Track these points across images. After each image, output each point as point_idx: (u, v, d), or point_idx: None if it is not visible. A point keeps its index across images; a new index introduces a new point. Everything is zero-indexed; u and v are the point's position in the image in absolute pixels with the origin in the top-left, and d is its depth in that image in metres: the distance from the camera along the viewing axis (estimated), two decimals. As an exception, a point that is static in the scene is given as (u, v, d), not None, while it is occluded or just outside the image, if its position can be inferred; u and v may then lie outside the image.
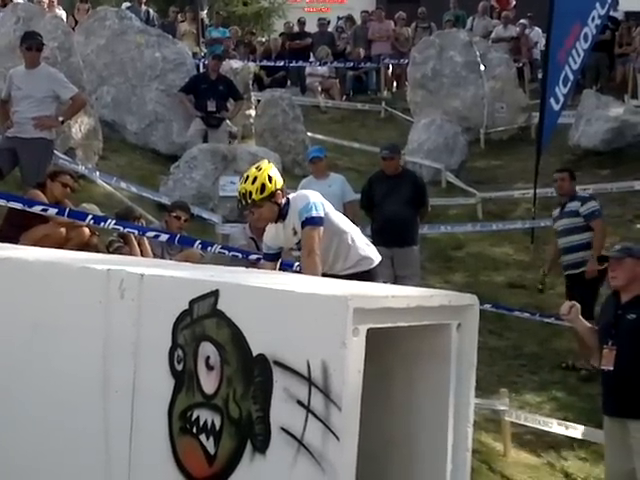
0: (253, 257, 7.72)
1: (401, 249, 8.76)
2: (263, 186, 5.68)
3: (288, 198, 5.87)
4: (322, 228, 5.73)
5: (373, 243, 6.57)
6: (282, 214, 5.82)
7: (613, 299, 5.61)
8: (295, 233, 5.84)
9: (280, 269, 6.25)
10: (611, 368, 5.40)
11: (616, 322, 5.46)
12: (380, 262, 6.26)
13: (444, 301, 4.12)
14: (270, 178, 5.71)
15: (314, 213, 5.71)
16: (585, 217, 8.51)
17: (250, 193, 5.69)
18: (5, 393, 4.58)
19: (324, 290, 3.90)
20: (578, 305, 5.66)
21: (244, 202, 5.77)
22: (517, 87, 16.24)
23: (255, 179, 5.69)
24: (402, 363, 4.29)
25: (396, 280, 8.19)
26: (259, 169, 5.75)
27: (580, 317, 5.65)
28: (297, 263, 7.60)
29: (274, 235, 5.96)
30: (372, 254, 6.16)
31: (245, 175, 5.79)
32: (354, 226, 6.23)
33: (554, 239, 8.85)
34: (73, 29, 13.41)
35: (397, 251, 8.76)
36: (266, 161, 5.95)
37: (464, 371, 4.17)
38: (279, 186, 5.77)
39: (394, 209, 8.72)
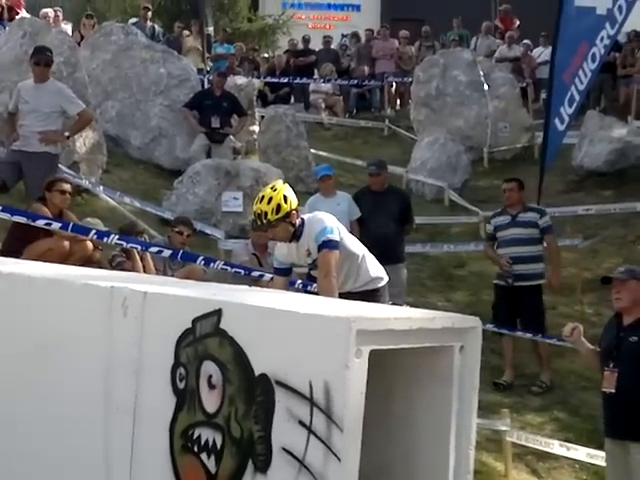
0: (255, 274, 7.73)
1: (388, 267, 8.75)
2: (279, 206, 5.71)
3: (303, 219, 5.91)
4: (338, 252, 5.82)
5: None
6: (296, 234, 5.85)
7: (615, 321, 5.61)
8: (309, 254, 5.91)
9: None
10: (613, 390, 5.40)
11: (618, 344, 5.46)
12: (386, 287, 6.33)
13: (447, 323, 4.12)
14: (285, 198, 5.75)
15: (331, 236, 5.78)
16: (543, 230, 8.54)
17: (266, 214, 5.72)
18: (7, 409, 4.58)
19: (327, 311, 3.90)
20: (581, 327, 5.66)
21: (259, 222, 5.81)
22: (521, 107, 16.26)
23: (271, 199, 5.72)
24: (404, 384, 4.29)
25: None
26: (274, 189, 5.78)
27: (582, 339, 5.65)
28: (299, 281, 7.65)
29: (286, 253, 6.02)
30: (380, 274, 6.28)
31: (260, 195, 5.82)
32: (364, 247, 6.28)
33: (487, 245, 8.83)
34: (79, 44, 13.47)
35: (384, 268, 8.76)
36: (281, 181, 6.01)
37: (466, 393, 4.17)
38: (294, 206, 5.81)
39: (380, 226, 8.73)
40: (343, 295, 5.85)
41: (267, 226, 5.81)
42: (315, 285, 7.06)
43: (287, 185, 5.92)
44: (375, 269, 6.24)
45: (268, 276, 6.80)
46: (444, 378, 4.16)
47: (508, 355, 8.43)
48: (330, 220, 5.93)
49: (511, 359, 8.43)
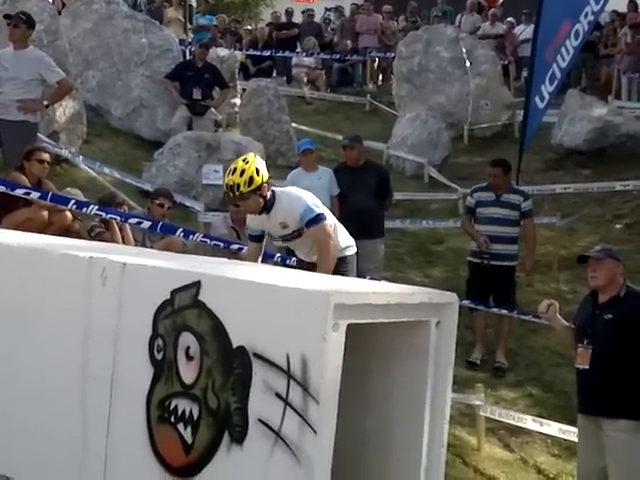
0: (234, 247, 7.74)
1: (365, 242, 8.77)
2: (251, 179, 5.75)
3: (274, 191, 5.95)
4: (326, 222, 5.96)
5: None
6: (267, 207, 5.91)
7: (591, 299, 5.66)
8: (284, 227, 5.98)
9: (262, 260, 6.33)
10: (586, 367, 5.45)
11: (593, 321, 5.52)
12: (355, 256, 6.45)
13: (424, 298, 4.16)
14: (258, 171, 5.78)
15: (317, 211, 5.91)
16: (523, 213, 8.56)
17: (238, 185, 5.75)
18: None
19: (306, 285, 3.93)
20: (556, 303, 5.71)
21: (231, 194, 5.84)
22: (502, 85, 16.27)
23: (243, 172, 5.75)
24: (380, 359, 4.33)
25: (359, 274, 8.22)
26: (246, 162, 5.80)
27: (558, 315, 5.71)
28: (278, 254, 7.68)
29: (257, 221, 6.09)
30: (349, 243, 6.38)
31: (232, 167, 5.84)
32: (334, 218, 6.36)
33: (465, 218, 8.82)
34: (59, 12, 13.35)
35: (362, 244, 8.72)
36: (252, 154, 6.00)
37: (442, 368, 4.22)
38: (266, 179, 5.84)
39: (358, 201, 8.73)
40: (312, 264, 6.04)
41: (239, 198, 5.86)
42: (294, 259, 7.12)
43: (259, 157, 5.95)
44: (344, 239, 6.33)
45: (246, 249, 6.83)
46: (420, 353, 4.21)
47: (479, 332, 8.47)
48: (309, 197, 6.02)
49: (482, 336, 8.48)
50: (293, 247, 6.51)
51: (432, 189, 12.76)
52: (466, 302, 7.89)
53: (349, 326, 3.73)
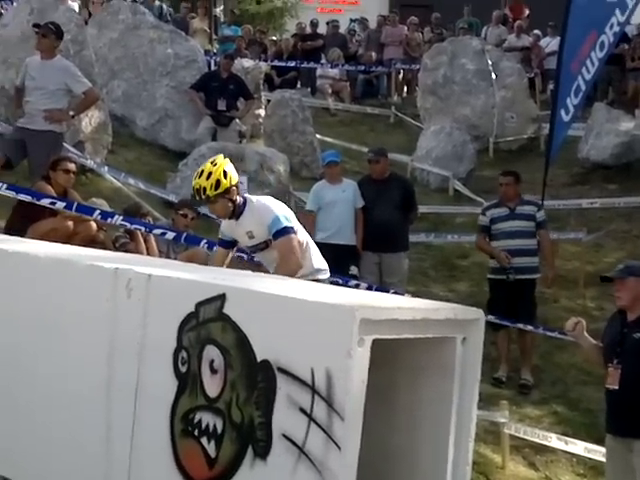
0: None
1: (389, 255, 8.77)
2: (218, 182, 5.68)
3: (245, 198, 5.86)
4: (294, 236, 5.78)
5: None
6: (236, 213, 5.82)
7: (619, 317, 5.59)
8: (251, 237, 5.87)
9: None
10: (616, 387, 5.37)
11: (621, 341, 5.44)
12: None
13: (450, 314, 4.12)
14: (225, 174, 5.70)
15: (285, 224, 5.74)
16: (539, 224, 8.51)
17: (204, 189, 5.68)
18: (10, 388, 4.59)
19: (332, 299, 3.90)
20: (583, 321, 5.64)
21: (198, 197, 5.78)
22: (528, 97, 16.19)
23: (210, 174, 5.68)
24: (406, 375, 4.29)
25: (383, 287, 8.20)
26: (214, 164, 5.73)
27: (585, 333, 5.64)
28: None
29: (228, 227, 5.99)
30: (323, 267, 6.18)
31: (200, 170, 5.77)
32: (308, 235, 6.21)
33: (480, 237, 8.73)
34: (86, 22, 13.42)
35: (385, 257, 8.77)
36: (221, 156, 5.90)
37: (468, 386, 4.17)
38: (234, 182, 5.76)
39: (383, 214, 8.70)
40: None
41: (206, 202, 5.80)
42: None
43: (228, 160, 5.85)
44: (318, 261, 6.15)
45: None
46: (446, 370, 4.16)
47: (503, 350, 8.38)
48: (279, 208, 5.86)
49: (506, 354, 8.40)
50: (260, 259, 6.29)
51: (457, 202, 12.69)
52: (491, 317, 7.84)
53: (374, 341, 3.69)
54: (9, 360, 4.61)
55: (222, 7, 18.51)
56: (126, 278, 4.26)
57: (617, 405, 5.38)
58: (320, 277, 6.11)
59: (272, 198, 6.15)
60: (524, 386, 8.18)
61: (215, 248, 6.52)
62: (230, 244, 6.11)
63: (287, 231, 5.73)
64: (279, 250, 5.75)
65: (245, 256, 7.31)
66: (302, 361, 3.70)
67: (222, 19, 19.36)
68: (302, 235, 6.00)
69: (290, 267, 5.66)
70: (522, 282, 8.33)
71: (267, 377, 3.77)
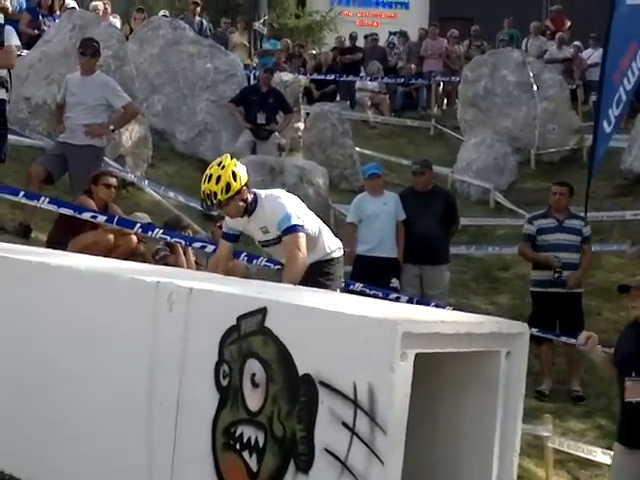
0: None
1: (431, 268, 8.73)
2: (228, 185, 5.55)
3: (255, 194, 5.77)
4: (302, 234, 5.70)
5: None
6: (248, 210, 5.73)
7: (633, 330, 5.47)
8: (266, 232, 5.80)
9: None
10: (639, 399, 5.26)
11: (638, 353, 5.33)
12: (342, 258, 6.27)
13: (494, 328, 4.08)
14: (234, 175, 5.57)
15: (294, 222, 5.66)
16: (585, 239, 8.47)
17: (215, 194, 5.55)
18: (54, 399, 4.60)
19: (373, 313, 3.87)
20: (595, 335, 5.55)
21: (209, 202, 5.63)
22: (570, 109, 16.07)
23: (219, 178, 5.54)
24: (450, 389, 4.24)
25: (424, 300, 8.16)
26: (222, 167, 5.59)
27: (597, 347, 5.55)
28: (244, 254, 7.60)
29: (236, 221, 5.88)
30: (336, 246, 6.17)
31: (208, 174, 5.61)
32: (319, 221, 6.15)
33: (525, 246, 8.63)
34: (127, 37, 13.53)
35: (427, 270, 8.73)
36: (228, 156, 5.75)
37: (512, 400, 4.12)
38: (244, 182, 5.63)
39: (424, 227, 8.66)
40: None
41: (217, 206, 5.65)
42: (260, 259, 6.98)
43: (235, 160, 5.70)
44: (331, 243, 6.13)
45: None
46: (490, 384, 4.11)
47: (547, 364, 8.29)
48: (290, 204, 5.79)
49: (550, 368, 8.31)
50: (272, 253, 6.26)
51: (498, 214, 12.61)
52: (534, 330, 7.74)
53: (417, 355, 3.66)
54: (51, 373, 4.62)
55: (264, 19, 18.38)
56: (167, 292, 4.26)
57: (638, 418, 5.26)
58: (335, 255, 6.12)
59: (281, 191, 6.11)
60: (577, 397, 8.10)
61: (220, 243, 6.32)
62: (236, 238, 6.04)
63: (295, 229, 5.65)
64: (285, 248, 5.71)
65: (271, 265, 7.30)
66: (344, 375, 3.68)
67: (264, 32, 19.31)
68: (311, 225, 5.93)
69: (296, 266, 5.61)
70: (568, 295, 8.25)
71: (309, 391, 3.76)
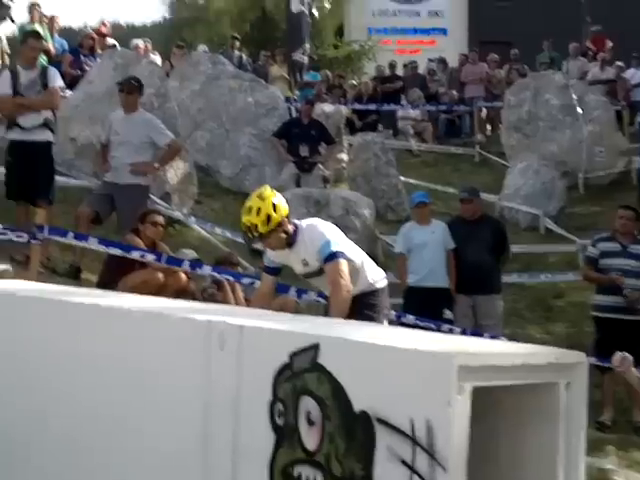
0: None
1: (483, 297, 8.63)
2: (268, 217, 5.52)
3: (296, 225, 5.73)
4: (343, 260, 5.63)
5: None
6: (290, 242, 5.68)
7: None
8: (306, 264, 5.74)
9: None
10: None
11: None
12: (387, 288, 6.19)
13: (551, 359, 3.98)
14: (275, 207, 5.55)
15: (335, 249, 5.60)
16: None
17: (256, 226, 5.52)
18: (104, 441, 4.57)
19: (428, 346, 3.79)
20: (631, 357, 5.43)
21: (250, 235, 5.60)
22: (616, 130, 15.92)
23: (259, 210, 5.51)
24: (508, 422, 4.15)
25: (477, 331, 8.05)
26: (262, 198, 5.57)
27: (633, 369, 5.43)
28: (294, 288, 7.52)
29: (278, 254, 5.83)
30: (379, 277, 6.10)
31: (248, 206, 5.59)
32: (362, 253, 6.09)
33: (589, 269, 8.48)
34: (168, 74, 13.64)
35: (479, 299, 8.63)
36: (268, 188, 5.74)
37: (573, 432, 4.01)
38: (285, 213, 5.61)
39: (475, 256, 8.57)
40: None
41: (259, 238, 5.62)
42: (310, 293, 6.90)
43: (275, 191, 5.68)
44: (374, 274, 6.06)
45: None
46: (550, 416, 4.01)
47: (609, 393, 8.08)
48: (329, 232, 5.74)
49: (612, 398, 8.11)
50: (316, 284, 6.17)
51: (549, 241, 12.46)
52: (592, 359, 7.59)
53: (474, 389, 3.58)
54: (102, 416, 4.59)
55: (306, 50, 18.29)
56: (219, 330, 4.22)
57: None
58: (378, 286, 6.04)
59: (320, 220, 6.05)
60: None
61: (262, 277, 6.30)
62: (277, 270, 5.98)
63: (336, 255, 5.59)
64: (328, 276, 5.64)
65: (321, 299, 7.23)
66: (401, 411, 3.61)
67: (304, 61, 19.28)
68: (354, 255, 5.87)
69: (341, 295, 5.55)
70: (632, 323, 8.07)
71: (366, 428, 3.69)
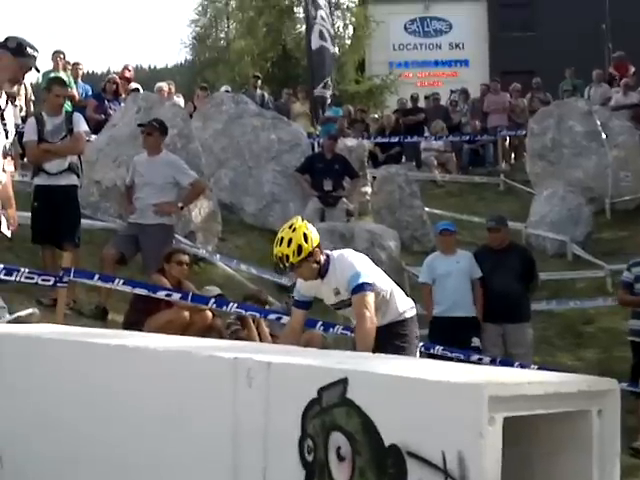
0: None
1: (512, 326, 8.58)
2: (300, 247, 5.56)
3: (328, 255, 5.76)
4: (370, 292, 5.65)
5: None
6: (321, 272, 5.72)
7: None
8: (337, 293, 5.78)
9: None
10: None
11: None
12: (416, 317, 6.20)
13: (583, 386, 3.92)
14: (306, 237, 5.60)
15: (363, 280, 5.63)
16: None
17: (287, 256, 5.57)
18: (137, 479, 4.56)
19: (457, 377, 3.75)
20: None
21: (282, 266, 5.66)
22: (641, 155, 15.85)
23: (290, 241, 5.57)
24: (540, 452, 4.08)
25: (508, 360, 7.98)
26: (293, 229, 5.62)
27: None
28: (320, 322, 7.55)
29: (309, 286, 5.86)
30: (407, 306, 6.12)
31: (279, 237, 5.65)
32: (391, 282, 6.11)
33: (624, 293, 8.42)
34: (191, 115, 13.74)
35: (508, 328, 8.59)
36: (299, 218, 5.80)
37: (607, 460, 3.94)
38: (316, 244, 5.65)
39: (503, 284, 8.53)
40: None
41: (290, 269, 5.67)
42: (337, 327, 6.88)
43: (306, 222, 5.75)
44: (403, 303, 6.09)
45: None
46: (583, 445, 3.95)
47: None
48: (360, 263, 5.77)
49: None
50: (347, 315, 6.18)
51: (577, 267, 12.39)
52: (624, 385, 7.50)
53: (506, 419, 3.53)
54: (131, 455, 4.57)
55: (328, 85, 18.19)
56: (246, 367, 4.19)
57: None
58: (407, 316, 6.06)
59: (351, 250, 6.08)
60: None
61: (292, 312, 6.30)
62: (308, 304, 5.99)
63: (363, 288, 5.62)
64: (354, 307, 5.68)
65: (348, 332, 7.20)
66: (432, 444, 3.56)
67: (327, 95, 19.23)
68: (383, 285, 5.90)
69: (366, 327, 5.57)
70: None
71: (397, 462, 3.63)
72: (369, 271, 5.78)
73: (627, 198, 14.98)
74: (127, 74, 15.71)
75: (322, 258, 5.71)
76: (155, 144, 9.05)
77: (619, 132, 15.66)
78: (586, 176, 15.13)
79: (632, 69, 19.50)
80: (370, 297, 5.64)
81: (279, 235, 5.68)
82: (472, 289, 8.61)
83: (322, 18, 16.16)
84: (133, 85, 15.07)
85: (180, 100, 15.97)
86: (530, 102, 19.11)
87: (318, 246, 5.68)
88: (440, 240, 9.03)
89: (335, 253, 5.87)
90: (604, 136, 15.28)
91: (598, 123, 15.41)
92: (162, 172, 8.91)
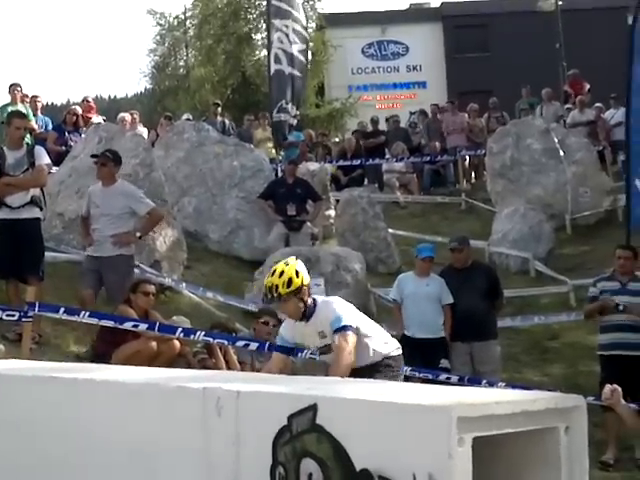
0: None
1: (480, 344, 8.65)
2: (290, 280, 5.77)
3: (315, 299, 5.94)
4: (351, 332, 5.82)
5: None
6: (306, 314, 5.87)
7: None
8: (323, 337, 5.93)
9: None
10: None
11: None
12: (401, 356, 6.32)
13: (550, 404, 3.97)
14: (297, 273, 5.82)
15: (345, 322, 5.80)
16: None
17: (277, 287, 5.77)
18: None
19: (426, 399, 3.78)
20: (620, 389, 5.43)
21: (270, 296, 5.86)
22: (599, 170, 16.06)
23: (282, 273, 5.79)
24: (510, 470, 4.12)
25: (476, 378, 8.03)
26: (286, 264, 5.86)
27: (622, 401, 5.44)
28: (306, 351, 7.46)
29: (292, 330, 6.05)
30: (391, 347, 6.23)
31: (273, 269, 5.90)
32: (376, 325, 6.29)
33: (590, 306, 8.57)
34: (153, 144, 13.72)
35: (476, 346, 8.66)
36: (294, 257, 6.07)
37: (576, 477, 3.99)
38: (306, 282, 5.86)
39: (469, 303, 8.61)
40: (353, 371, 5.81)
41: (277, 300, 5.85)
42: (305, 352, 6.98)
43: (300, 261, 5.99)
44: (387, 346, 6.21)
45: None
46: (552, 461, 3.99)
47: (612, 432, 8.05)
48: (343, 308, 5.94)
49: (615, 436, 8.08)
50: (328, 360, 6.22)
51: (540, 283, 12.50)
52: (590, 399, 7.56)
53: (475, 439, 3.56)
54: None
55: (287, 110, 18.14)
56: (215, 397, 4.20)
57: None
58: (393, 354, 6.19)
59: (338, 298, 6.25)
60: None
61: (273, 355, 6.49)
62: (290, 350, 6.17)
63: (345, 328, 5.79)
64: (334, 345, 5.83)
65: (316, 357, 7.23)
66: (402, 466, 3.58)
67: (289, 121, 19.18)
68: (367, 330, 6.05)
69: (344, 360, 5.73)
70: (635, 359, 8.08)
71: (368, 486, 3.65)
72: (352, 316, 5.96)
73: (587, 213, 15.14)
74: (90, 109, 15.61)
75: (309, 300, 5.91)
76: (109, 174, 9.01)
77: (577, 149, 15.85)
78: (546, 193, 15.29)
79: (587, 86, 19.77)
80: (351, 336, 5.81)
81: (272, 268, 5.94)
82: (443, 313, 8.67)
83: (280, 40, 16.17)
84: (96, 119, 15.00)
85: (143, 130, 15.94)
86: (487, 122, 19.32)
87: (307, 286, 5.89)
88: (420, 264, 9.06)
89: (321, 298, 6.09)
90: (562, 153, 15.46)
91: (556, 140, 15.57)
92: (118, 202, 8.86)
